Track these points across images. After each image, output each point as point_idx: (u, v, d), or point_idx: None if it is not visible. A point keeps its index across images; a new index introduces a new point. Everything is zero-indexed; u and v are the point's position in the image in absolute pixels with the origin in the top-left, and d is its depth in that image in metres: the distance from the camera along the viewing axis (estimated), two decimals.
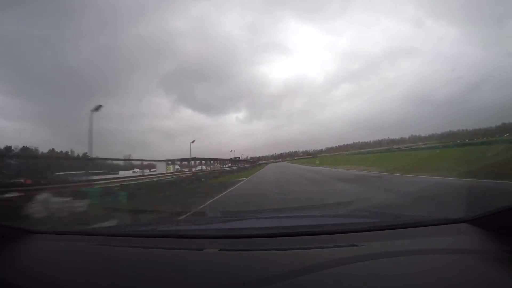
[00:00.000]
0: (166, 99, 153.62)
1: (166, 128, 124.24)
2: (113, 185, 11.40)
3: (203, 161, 32.11)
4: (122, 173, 19.97)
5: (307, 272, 1.00)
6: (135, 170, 21.14)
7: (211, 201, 8.94)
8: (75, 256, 1.47)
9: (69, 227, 2.57)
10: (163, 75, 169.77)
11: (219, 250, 1.34)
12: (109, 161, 19.76)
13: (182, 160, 27.75)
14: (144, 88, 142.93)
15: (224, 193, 11.26)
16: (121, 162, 21.77)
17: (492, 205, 1.28)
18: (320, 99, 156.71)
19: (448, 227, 1.42)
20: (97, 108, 14.73)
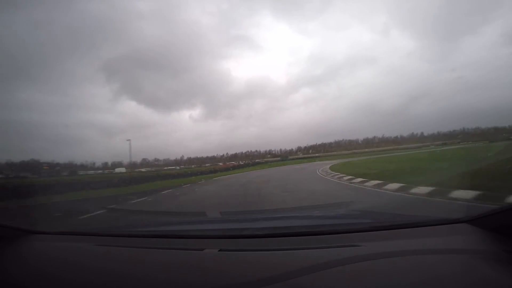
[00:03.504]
0: (106, 88, 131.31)
1: (104, 123, 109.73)
2: None
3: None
4: None
5: (307, 272, 1.01)
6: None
7: None
8: (75, 256, 1.47)
9: (69, 227, 2.61)
10: (106, 59, 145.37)
11: (219, 250, 1.34)
12: None
13: None
14: (79, 73, 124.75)
15: None
16: None
17: None
18: (279, 102, 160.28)
19: (448, 227, 1.43)
20: None
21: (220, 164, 61.42)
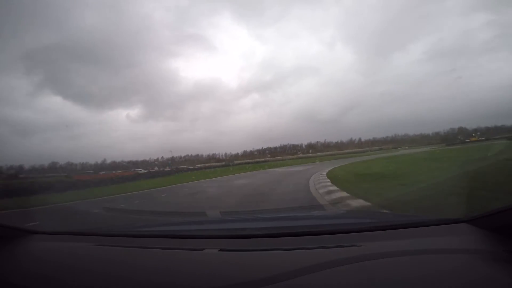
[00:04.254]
0: (25, 80, 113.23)
1: (19, 120, 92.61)
2: None
3: None
4: None
5: (307, 272, 1.00)
6: None
7: None
8: (75, 256, 1.46)
9: (69, 227, 2.46)
10: (31, 47, 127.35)
11: (219, 250, 1.33)
12: None
13: None
14: None
15: None
16: None
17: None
18: (229, 106, 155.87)
19: (448, 227, 1.42)
20: None
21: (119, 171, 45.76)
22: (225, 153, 79.60)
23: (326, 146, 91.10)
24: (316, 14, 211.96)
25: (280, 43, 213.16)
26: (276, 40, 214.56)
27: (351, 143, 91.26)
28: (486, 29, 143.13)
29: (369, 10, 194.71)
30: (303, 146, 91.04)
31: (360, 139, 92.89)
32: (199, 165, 61.14)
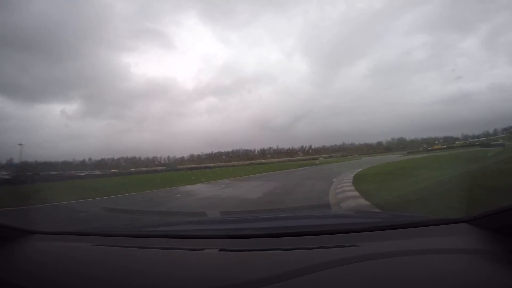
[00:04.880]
0: None
1: None
2: None
3: None
4: None
5: (307, 272, 1.00)
6: None
7: None
8: (75, 256, 1.46)
9: (69, 227, 2.41)
10: None
11: (219, 251, 1.33)
12: None
13: None
14: None
15: None
16: None
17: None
18: (182, 107, 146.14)
19: (448, 227, 1.42)
20: None
21: None
22: (168, 157, 70.74)
23: (278, 152, 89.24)
24: (282, 23, 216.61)
25: (244, 49, 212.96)
26: (240, 45, 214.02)
27: (302, 150, 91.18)
28: (423, 50, 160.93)
29: (328, 25, 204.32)
30: (256, 152, 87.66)
31: (310, 146, 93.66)
32: (133, 169, 51.73)
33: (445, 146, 56.40)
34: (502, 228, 1.21)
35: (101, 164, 58.68)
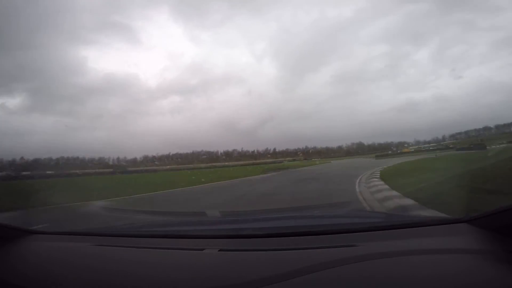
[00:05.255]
0: None
1: None
2: None
3: None
4: None
5: (307, 272, 1.00)
6: None
7: None
8: (75, 256, 1.46)
9: (69, 227, 2.60)
10: None
11: (219, 250, 1.33)
12: None
13: None
14: None
15: None
16: None
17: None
18: (142, 106, 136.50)
19: (448, 227, 1.41)
20: None
21: None
22: (117, 158, 63.11)
23: (243, 155, 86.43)
24: (255, 26, 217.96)
25: (214, 49, 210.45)
26: (211, 45, 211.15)
27: (266, 153, 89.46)
28: (380, 60, 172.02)
29: (299, 31, 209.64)
30: (219, 153, 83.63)
31: (275, 149, 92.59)
32: (77, 170, 44.37)
33: (413, 150, 58.16)
34: (502, 228, 1.20)
35: (35, 164, 49.92)
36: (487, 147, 31.09)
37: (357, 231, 1.48)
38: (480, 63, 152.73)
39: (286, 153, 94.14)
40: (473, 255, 1.09)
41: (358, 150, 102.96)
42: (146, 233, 1.96)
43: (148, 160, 69.91)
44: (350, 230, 1.51)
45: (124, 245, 1.58)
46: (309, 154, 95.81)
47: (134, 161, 66.53)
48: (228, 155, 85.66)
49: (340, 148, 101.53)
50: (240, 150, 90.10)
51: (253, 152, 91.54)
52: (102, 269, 1.24)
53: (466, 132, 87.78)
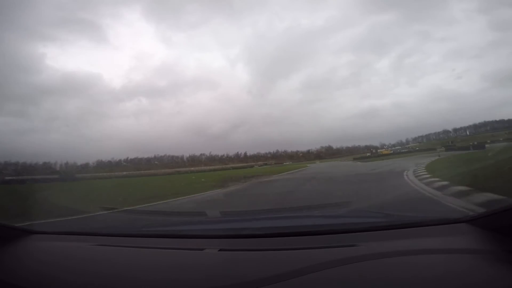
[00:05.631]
0: None
1: None
2: None
3: None
4: None
5: (307, 272, 1.00)
6: None
7: None
8: (75, 256, 1.46)
9: (69, 227, 2.52)
10: None
11: (219, 250, 1.33)
12: None
13: None
14: None
15: None
16: None
17: None
18: (105, 108, 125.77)
19: (448, 227, 1.41)
20: None
21: None
22: (66, 163, 54.96)
23: (212, 159, 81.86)
24: (231, 30, 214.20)
25: (187, 51, 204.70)
26: (184, 47, 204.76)
27: (236, 158, 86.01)
28: (346, 68, 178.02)
29: (273, 37, 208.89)
30: (185, 158, 78.10)
31: (245, 153, 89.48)
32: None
33: (391, 151, 57.59)
34: (502, 228, 1.20)
35: None
36: (486, 146, 31.83)
37: (357, 231, 1.48)
38: (432, 72, 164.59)
39: (257, 157, 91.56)
40: (473, 255, 1.09)
41: (327, 153, 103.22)
42: (146, 233, 1.96)
43: (102, 166, 62.35)
44: (350, 230, 1.51)
45: (124, 245, 1.58)
46: (280, 158, 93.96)
47: (85, 167, 58.68)
48: (195, 159, 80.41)
49: (309, 151, 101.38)
50: (208, 155, 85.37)
51: (222, 156, 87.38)
52: (102, 269, 1.24)
53: (427, 136, 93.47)
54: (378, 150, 71.03)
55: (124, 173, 48.28)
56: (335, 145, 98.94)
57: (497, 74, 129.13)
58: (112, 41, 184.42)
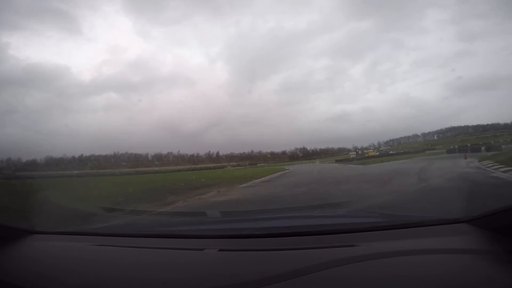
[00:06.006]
0: None
1: None
2: None
3: None
4: None
5: (307, 272, 1.00)
6: None
7: None
8: (75, 256, 1.45)
9: (69, 227, 2.50)
10: None
11: (219, 250, 1.32)
12: None
13: None
14: None
15: None
16: None
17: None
18: (71, 101, 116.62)
19: (448, 227, 1.41)
20: None
21: None
22: (9, 158, 47.27)
23: (180, 159, 76.38)
24: (214, 28, 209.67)
25: (165, 46, 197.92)
26: (162, 42, 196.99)
27: (208, 157, 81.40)
28: (322, 72, 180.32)
29: (255, 38, 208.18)
30: (149, 157, 71.86)
31: (218, 153, 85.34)
32: None
33: (378, 153, 55.50)
34: (502, 228, 1.20)
35: None
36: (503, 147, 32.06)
37: (357, 231, 1.48)
38: (401, 80, 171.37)
39: (230, 157, 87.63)
40: (473, 255, 1.09)
41: (302, 155, 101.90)
42: (146, 233, 1.94)
43: (52, 163, 54.96)
44: (350, 230, 1.51)
45: (124, 245, 1.57)
46: (255, 159, 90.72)
47: (31, 164, 51.22)
48: (161, 158, 74.31)
49: (284, 153, 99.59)
50: (176, 153, 79.56)
51: (192, 155, 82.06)
52: (102, 269, 1.24)
53: (398, 140, 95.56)
54: (365, 151, 62.50)
55: (75, 172, 42.42)
56: (309, 147, 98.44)
57: (459, 83, 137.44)
58: (86, 32, 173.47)
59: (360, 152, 62.29)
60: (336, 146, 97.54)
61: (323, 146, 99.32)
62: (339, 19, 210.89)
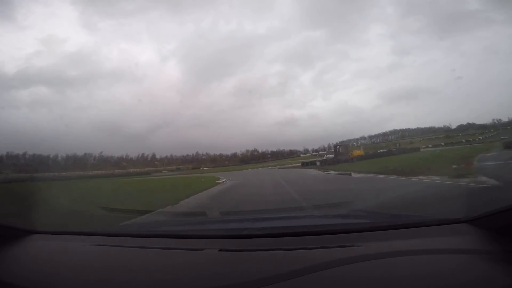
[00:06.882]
0: None
1: None
2: None
3: None
4: None
5: (306, 272, 1.00)
6: None
7: None
8: (75, 256, 1.45)
9: (69, 227, 2.29)
10: None
11: (219, 250, 1.32)
12: None
13: None
14: None
15: None
16: None
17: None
18: None
19: (448, 227, 1.40)
20: None
21: None
22: None
23: (103, 161, 61.09)
24: (171, 25, 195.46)
25: (112, 39, 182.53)
26: (109, 35, 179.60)
27: (141, 160, 67.46)
28: (275, 77, 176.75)
29: (214, 38, 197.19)
30: (51, 157, 55.45)
31: (154, 155, 72.08)
32: None
33: (363, 153, 47.96)
34: (502, 228, 1.21)
35: None
36: None
37: (357, 231, 1.48)
38: (342, 88, 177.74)
39: (171, 161, 74.59)
40: (473, 255, 1.09)
41: (252, 157, 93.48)
42: (146, 233, 1.95)
43: None
44: (350, 230, 1.51)
45: (123, 245, 1.57)
46: (201, 162, 78.80)
47: None
48: (68, 160, 58.24)
49: (234, 155, 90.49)
50: (97, 155, 63.77)
51: (121, 157, 67.10)
52: (101, 269, 1.24)
53: (348, 141, 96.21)
54: (349, 149, 39.22)
55: None
56: (261, 149, 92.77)
57: (388, 93, 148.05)
58: (20, 19, 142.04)
59: (340, 149, 41.25)
60: (288, 148, 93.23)
61: (274, 149, 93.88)
62: (296, 27, 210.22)
